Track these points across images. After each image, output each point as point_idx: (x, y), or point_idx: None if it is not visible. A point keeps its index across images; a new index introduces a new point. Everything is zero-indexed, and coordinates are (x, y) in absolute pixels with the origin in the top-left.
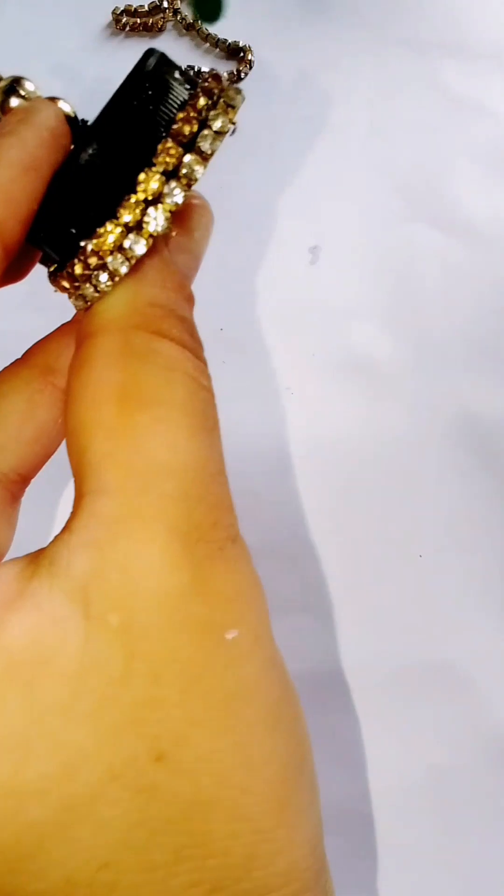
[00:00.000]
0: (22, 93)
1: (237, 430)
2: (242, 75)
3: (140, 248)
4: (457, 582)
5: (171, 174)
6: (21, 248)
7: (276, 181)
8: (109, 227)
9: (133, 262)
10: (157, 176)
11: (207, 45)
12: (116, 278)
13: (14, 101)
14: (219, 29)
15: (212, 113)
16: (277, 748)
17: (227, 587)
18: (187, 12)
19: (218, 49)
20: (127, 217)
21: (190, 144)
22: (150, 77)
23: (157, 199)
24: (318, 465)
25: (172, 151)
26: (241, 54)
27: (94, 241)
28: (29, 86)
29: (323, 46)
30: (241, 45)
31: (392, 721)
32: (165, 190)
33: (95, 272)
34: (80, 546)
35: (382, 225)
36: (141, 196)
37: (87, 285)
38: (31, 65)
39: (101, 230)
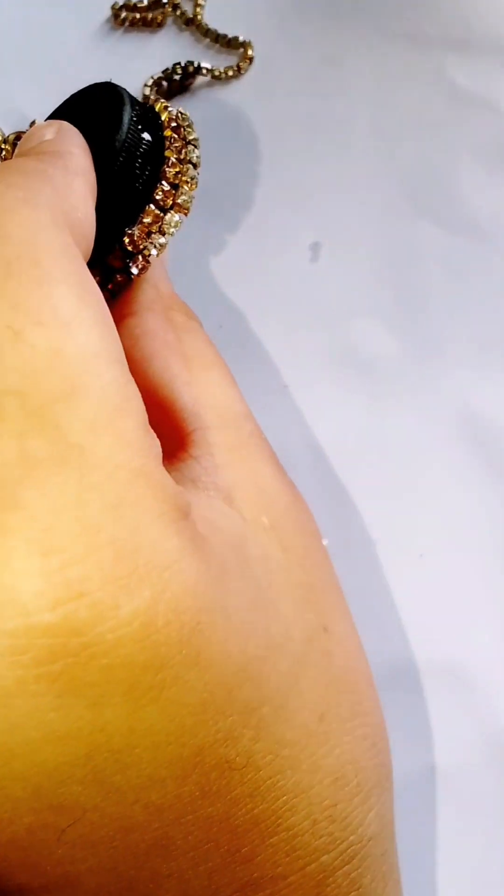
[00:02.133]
0: None
1: None
2: (243, 70)
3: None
4: (458, 582)
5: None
6: None
7: (277, 177)
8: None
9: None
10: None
11: (208, 40)
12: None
13: None
14: (219, 24)
15: (182, 178)
16: (350, 618)
17: (307, 507)
18: (187, 7)
19: (218, 44)
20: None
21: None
22: (123, 147)
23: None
24: (317, 464)
25: (152, 217)
26: (242, 49)
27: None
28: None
29: (325, 41)
30: (241, 39)
31: (392, 721)
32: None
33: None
34: (214, 467)
35: (384, 222)
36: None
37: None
38: (29, 60)
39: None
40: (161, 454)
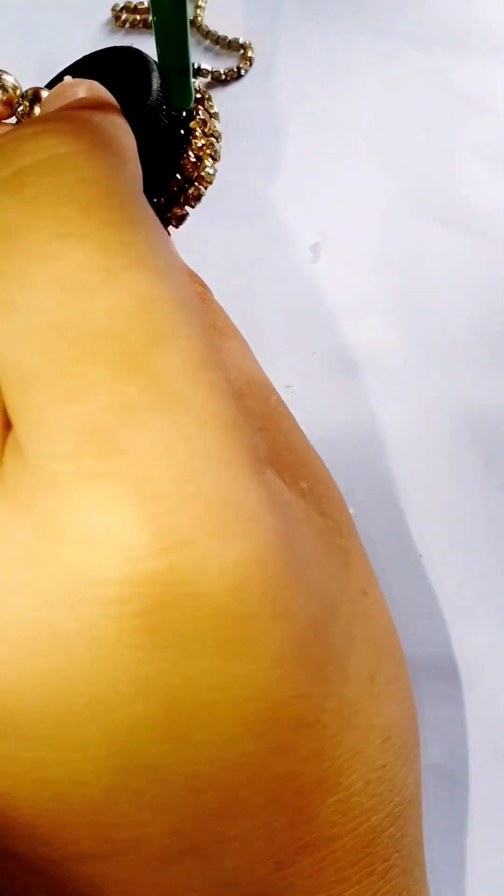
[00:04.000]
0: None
1: None
2: (243, 72)
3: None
4: (458, 581)
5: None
6: None
7: (278, 178)
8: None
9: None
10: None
11: (208, 41)
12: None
13: (38, 110)
14: (219, 25)
15: (206, 152)
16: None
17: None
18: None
19: (218, 46)
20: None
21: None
22: (151, 114)
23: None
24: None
25: (178, 187)
26: (242, 51)
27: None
28: (45, 93)
29: (325, 43)
30: (241, 41)
31: None
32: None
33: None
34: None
35: (385, 222)
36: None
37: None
38: (31, 61)
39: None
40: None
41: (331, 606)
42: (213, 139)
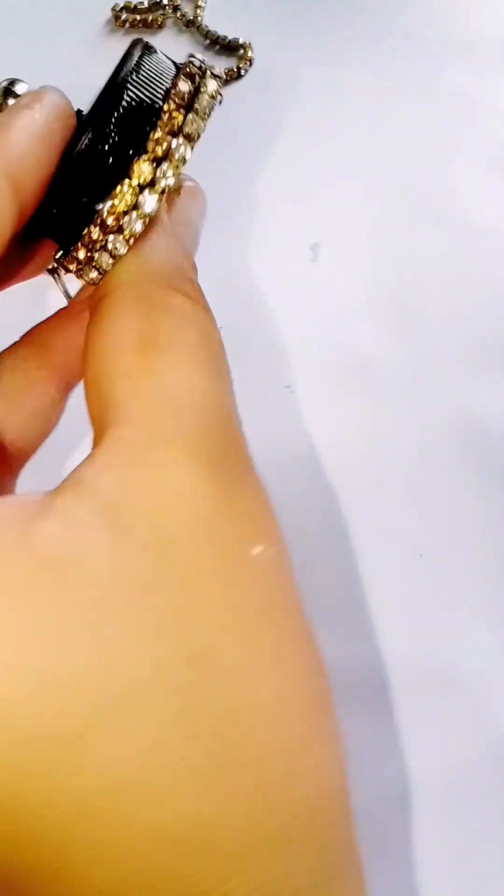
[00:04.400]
0: (18, 93)
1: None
2: (242, 72)
3: (152, 203)
4: (457, 582)
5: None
6: (16, 245)
7: (277, 178)
8: (124, 187)
9: (146, 221)
10: (155, 153)
11: (207, 41)
12: (132, 239)
13: (11, 101)
14: (219, 26)
15: (196, 98)
16: (310, 664)
17: (251, 507)
18: (187, 9)
19: (218, 46)
20: (139, 178)
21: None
22: (135, 68)
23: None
24: (317, 465)
25: (162, 138)
26: (241, 51)
27: (110, 202)
28: (21, 87)
29: (324, 43)
30: (240, 41)
31: (392, 722)
32: (158, 173)
33: (111, 236)
34: (106, 467)
35: (383, 223)
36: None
37: (103, 253)
38: (31, 61)
39: (117, 190)
40: None
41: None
42: (195, 116)
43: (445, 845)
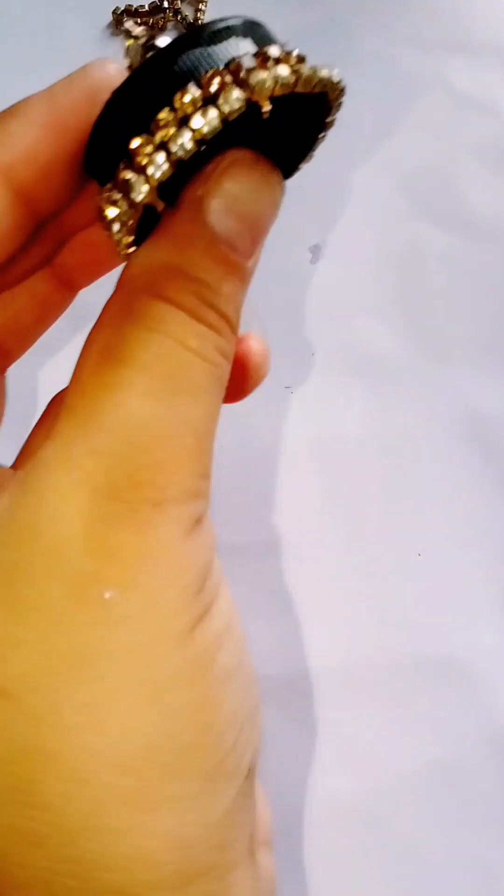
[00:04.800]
0: (160, 46)
1: (236, 429)
2: None
3: (203, 124)
4: (456, 580)
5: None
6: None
7: None
8: (157, 125)
9: (174, 163)
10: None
11: None
12: (175, 156)
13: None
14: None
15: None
16: (148, 725)
17: (126, 548)
18: (188, 12)
19: None
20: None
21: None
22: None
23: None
24: (317, 464)
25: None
26: None
27: (137, 140)
28: (163, 40)
29: (325, 44)
30: None
31: (393, 718)
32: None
33: (154, 154)
34: (9, 481)
35: (385, 223)
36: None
37: (124, 199)
38: (31, 65)
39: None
40: None
41: None
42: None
43: (447, 837)
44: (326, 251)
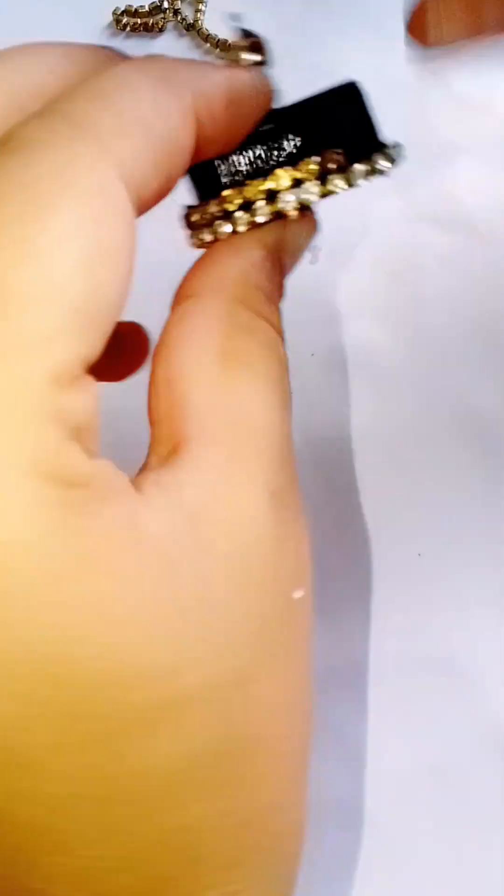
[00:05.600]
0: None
1: None
2: None
3: (313, 195)
4: (457, 580)
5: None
6: None
7: None
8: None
9: (274, 215)
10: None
11: (208, 45)
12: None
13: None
14: (219, 29)
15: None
16: (310, 708)
17: (297, 549)
18: (188, 12)
19: (218, 49)
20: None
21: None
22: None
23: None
24: (317, 464)
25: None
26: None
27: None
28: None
29: (325, 45)
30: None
31: (393, 718)
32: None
33: (240, 213)
34: (190, 481)
35: (383, 223)
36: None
37: (224, 222)
38: None
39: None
40: (73, 421)
41: (138, 674)
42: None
43: (445, 837)
44: (325, 252)
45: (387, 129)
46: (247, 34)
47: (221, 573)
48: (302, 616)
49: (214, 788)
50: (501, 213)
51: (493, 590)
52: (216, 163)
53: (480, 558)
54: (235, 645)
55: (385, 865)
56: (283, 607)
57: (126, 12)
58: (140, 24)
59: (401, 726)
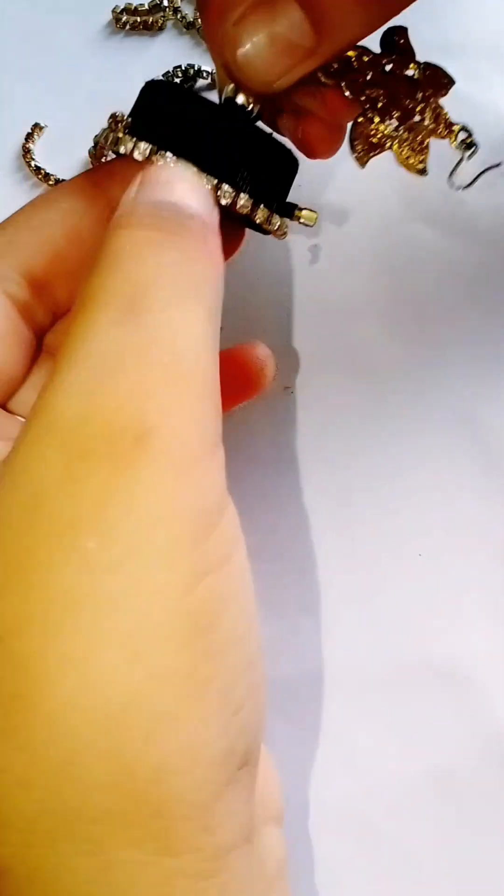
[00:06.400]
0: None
1: (236, 429)
2: None
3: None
4: (457, 581)
5: None
6: None
7: None
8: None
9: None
10: None
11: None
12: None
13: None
14: None
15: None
16: (129, 685)
17: (105, 489)
18: (187, 10)
19: None
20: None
21: None
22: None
23: None
24: (316, 465)
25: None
26: None
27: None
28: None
29: None
30: None
31: (392, 721)
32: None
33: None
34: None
35: (383, 222)
36: None
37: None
38: (31, 63)
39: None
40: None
41: None
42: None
43: (444, 842)
44: (325, 251)
45: None
46: None
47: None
48: (96, 565)
49: None
50: (501, 213)
51: (493, 591)
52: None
53: (482, 559)
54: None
55: (387, 871)
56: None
57: (126, 10)
58: (140, 23)
59: (401, 730)
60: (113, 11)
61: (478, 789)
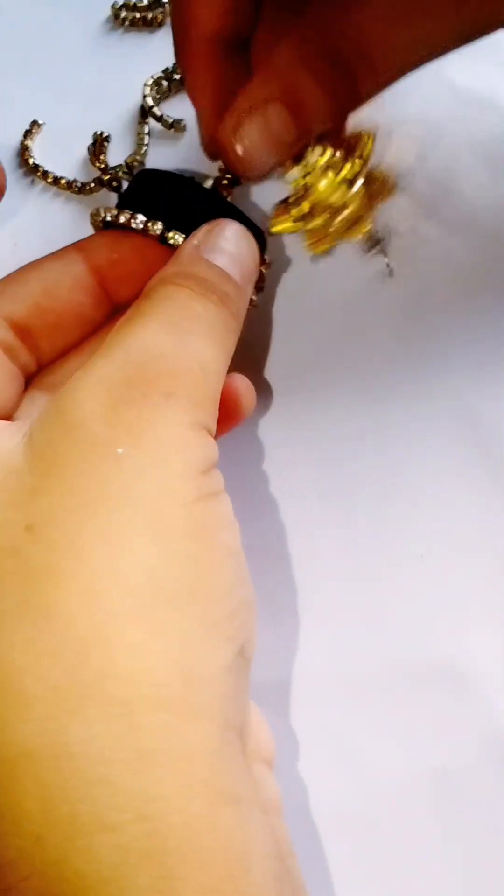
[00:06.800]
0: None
1: (235, 430)
2: None
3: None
4: (459, 582)
5: None
6: None
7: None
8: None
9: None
10: None
11: None
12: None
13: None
14: None
15: None
16: (153, 560)
17: (138, 422)
18: None
19: None
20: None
21: None
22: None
23: None
24: (316, 465)
25: None
26: None
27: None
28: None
29: None
30: None
31: (394, 722)
32: None
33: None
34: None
35: (383, 222)
36: None
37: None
38: (30, 60)
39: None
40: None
41: None
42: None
43: (447, 843)
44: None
45: (387, 128)
46: None
47: (26, 448)
48: (137, 470)
49: (9, 614)
50: (502, 212)
51: (496, 591)
52: None
53: (484, 560)
54: (21, 504)
55: (387, 871)
56: (99, 460)
57: (125, 6)
58: (139, 19)
59: (401, 731)
60: (112, 7)
61: (478, 789)
